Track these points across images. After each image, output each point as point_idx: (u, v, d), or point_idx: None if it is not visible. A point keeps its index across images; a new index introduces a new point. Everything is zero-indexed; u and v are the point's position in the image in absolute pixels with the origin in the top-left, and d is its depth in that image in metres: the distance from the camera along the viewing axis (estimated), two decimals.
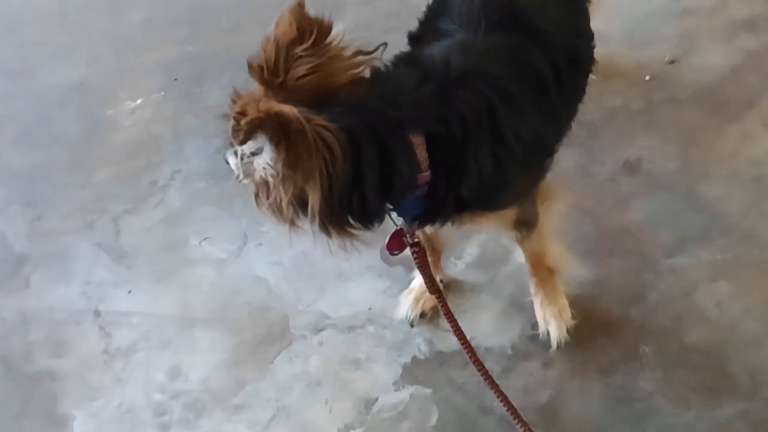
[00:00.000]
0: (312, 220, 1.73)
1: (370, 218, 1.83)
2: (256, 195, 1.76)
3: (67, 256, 2.87)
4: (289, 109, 1.60)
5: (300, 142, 1.60)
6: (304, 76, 1.68)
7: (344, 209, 1.75)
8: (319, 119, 1.64)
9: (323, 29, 1.70)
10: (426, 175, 1.78)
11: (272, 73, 1.67)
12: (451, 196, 1.85)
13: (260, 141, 1.60)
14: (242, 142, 1.59)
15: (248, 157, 1.67)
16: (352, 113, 1.69)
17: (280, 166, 1.62)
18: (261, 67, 1.68)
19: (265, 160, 1.63)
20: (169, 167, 3.08)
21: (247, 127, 1.55)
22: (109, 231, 2.92)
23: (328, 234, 1.78)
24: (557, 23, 2.06)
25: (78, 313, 2.70)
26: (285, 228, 1.78)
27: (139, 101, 3.37)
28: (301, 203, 1.71)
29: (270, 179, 1.67)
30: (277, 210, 1.74)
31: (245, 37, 3.45)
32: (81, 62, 3.62)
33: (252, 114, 1.56)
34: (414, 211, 1.91)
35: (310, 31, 1.68)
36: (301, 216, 1.74)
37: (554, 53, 1.98)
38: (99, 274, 2.80)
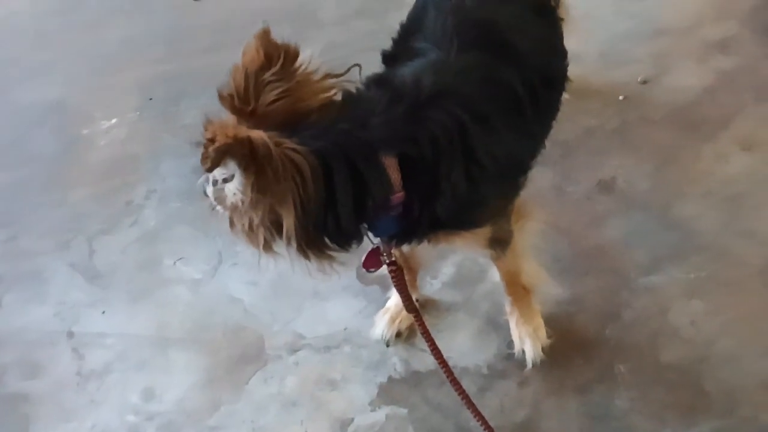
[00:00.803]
0: (288, 244, 1.73)
1: (347, 239, 1.83)
2: (231, 220, 1.76)
3: (41, 276, 2.85)
4: (257, 134, 1.61)
5: (269, 166, 1.61)
6: (275, 101, 1.69)
7: (320, 231, 1.76)
8: (289, 143, 1.64)
9: (290, 54, 1.71)
10: (400, 195, 1.78)
11: (242, 100, 1.68)
12: (426, 216, 1.85)
13: (230, 167, 1.61)
14: (210, 169, 1.60)
15: (221, 183, 1.67)
16: (323, 136, 1.69)
17: (249, 191, 1.63)
18: (231, 96, 1.68)
19: (235, 185, 1.64)
20: (144, 187, 3.07)
21: (215, 153, 1.56)
22: (84, 251, 2.90)
23: (307, 257, 1.79)
24: (531, 41, 2.07)
25: (51, 334, 2.67)
26: (260, 253, 1.78)
27: (114, 120, 3.37)
28: (276, 227, 1.71)
29: (240, 204, 1.67)
30: (250, 234, 1.74)
31: (222, 56, 3.40)
32: (57, 81, 3.62)
33: (221, 140, 1.56)
34: (390, 230, 1.91)
35: (278, 57, 1.69)
36: (277, 239, 1.74)
37: (528, 71, 1.99)
38: (73, 294, 2.78)
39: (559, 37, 2.30)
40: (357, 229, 1.84)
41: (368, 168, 1.73)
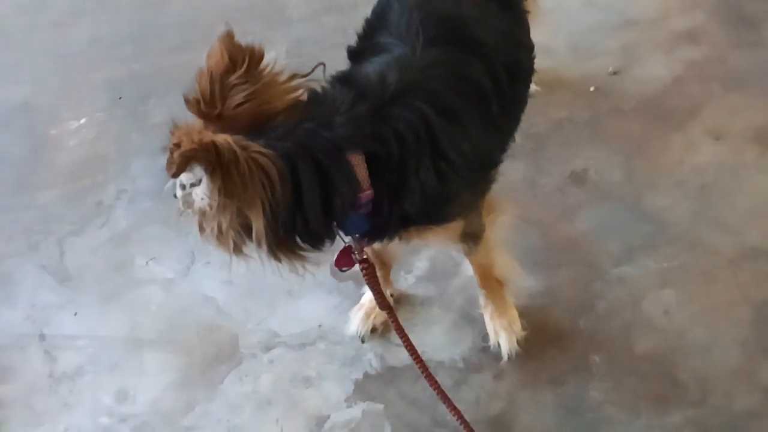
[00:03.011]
0: (259, 246, 1.73)
1: (318, 239, 1.83)
2: (200, 225, 1.75)
3: (11, 279, 2.81)
4: (222, 139, 1.60)
5: (235, 170, 1.61)
6: (241, 104, 1.67)
7: (290, 232, 1.75)
8: (255, 146, 1.64)
9: (255, 56, 1.70)
10: (368, 193, 1.78)
11: (209, 104, 1.67)
12: (396, 213, 1.85)
13: (197, 172, 1.61)
14: (175, 174, 1.59)
15: (188, 188, 1.67)
16: (288, 137, 1.69)
17: (216, 195, 1.63)
18: (197, 100, 1.67)
19: (203, 190, 1.64)
20: (114, 187, 3.04)
21: (180, 158, 1.55)
22: (54, 253, 2.86)
23: (278, 259, 1.78)
24: (496, 35, 2.07)
25: (22, 337, 2.64)
26: (230, 256, 1.77)
27: (83, 120, 3.32)
28: (246, 230, 1.71)
29: (208, 209, 1.66)
30: (220, 238, 1.73)
31: (191, 54, 3.39)
32: (24, 82, 3.57)
33: (186, 146, 1.56)
34: (361, 229, 1.91)
35: (242, 59, 1.68)
36: (248, 242, 1.74)
37: (494, 65, 1.99)
38: (44, 296, 2.75)
39: (524, 30, 2.29)
40: (328, 228, 1.83)
41: (334, 167, 1.72)
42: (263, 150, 1.64)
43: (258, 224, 1.67)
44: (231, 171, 1.60)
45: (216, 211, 1.66)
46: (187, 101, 1.69)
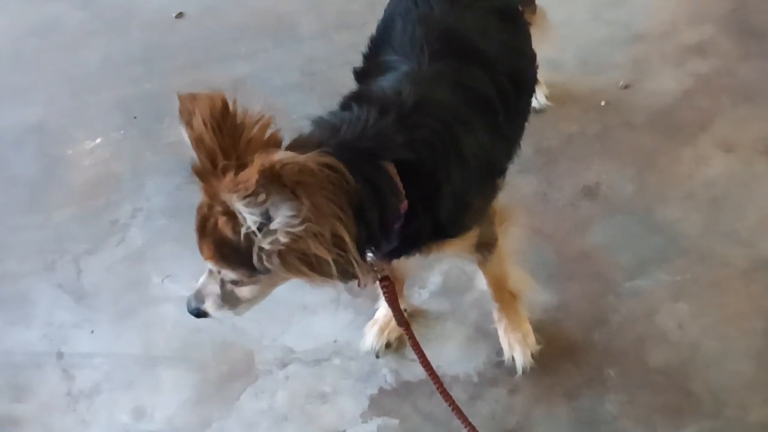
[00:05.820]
0: (347, 266, 1.65)
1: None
2: (282, 259, 1.61)
3: (27, 298, 2.83)
4: (283, 155, 1.54)
5: (312, 180, 1.53)
6: (249, 141, 1.63)
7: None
8: (317, 155, 1.58)
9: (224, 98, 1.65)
10: (405, 204, 1.77)
11: (226, 155, 1.60)
12: (428, 223, 1.84)
13: (269, 201, 1.51)
14: (264, 200, 1.49)
15: (265, 227, 1.56)
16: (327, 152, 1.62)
17: (304, 211, 1.52)
18: (211, 160, 1.61)
19: (284, 215, 1.52)
20: (129, 205, 3.06)
21: (262, 182, 1.46)
22: (70, 271, 2.88)
23: (358, 276, 1.73)
24: (499, 46, 2.09)
25: (39, 356, 2.66)
26: (314, 283, 1.69)
27: (98, 140, 3.35)
28: (338, 246, 1.61)
29: (297, 229, 1.54)
30: (307, 265, 1.62)
31: (202, 73, 3.47)
32: (38, 103, 3.59)
33: (263, 165, 1.47)
34: (392, 245, 1.86)
35: (226, 98, 1.63)
36: (333, 263, 1.63)
37: (498, 76, 2.01)
38: (60, 315, 2.76)
39: (526, 41, 2.30)
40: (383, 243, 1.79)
41: (379, 177, 1.70)
42: (327, 157, 1.58)
43: (347, 235, 1.60)
44: (308, 183, 1.52)
45: (306, 229, 1.54)
46: (199, 173, 1.63)
